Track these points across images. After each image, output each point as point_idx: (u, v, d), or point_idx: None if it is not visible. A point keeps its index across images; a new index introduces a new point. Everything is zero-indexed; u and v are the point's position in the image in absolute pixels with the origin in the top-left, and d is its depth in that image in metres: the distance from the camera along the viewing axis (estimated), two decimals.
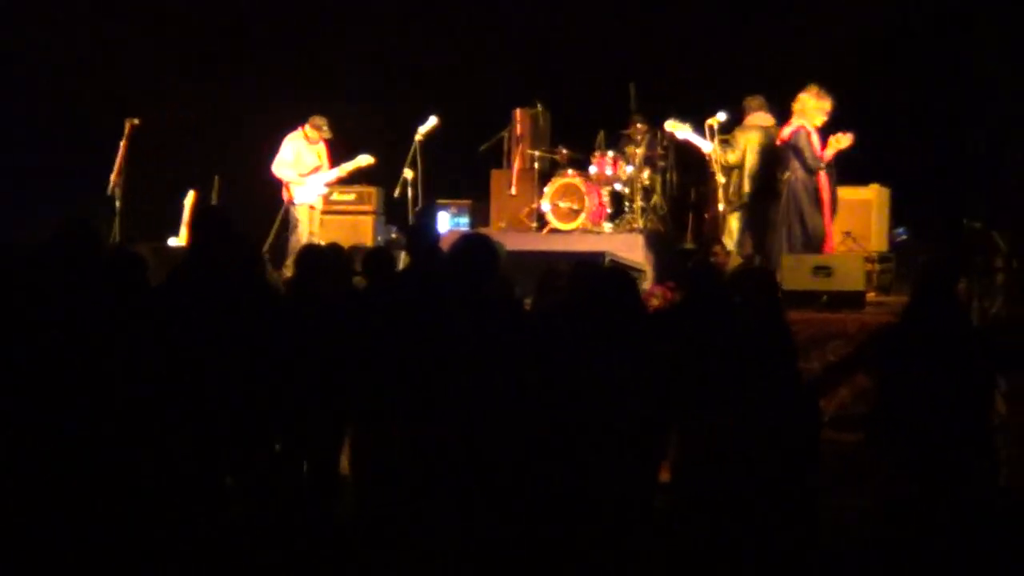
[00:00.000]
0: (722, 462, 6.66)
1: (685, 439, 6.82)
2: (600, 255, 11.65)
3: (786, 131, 11.95)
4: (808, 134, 11.78)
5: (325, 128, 13.95)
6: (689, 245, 13.50)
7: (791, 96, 12.34)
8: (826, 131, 11.84)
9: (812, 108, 11.85)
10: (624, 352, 6.46)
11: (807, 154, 11.72)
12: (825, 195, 11.84)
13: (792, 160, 11.84)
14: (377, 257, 8.06)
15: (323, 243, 11.31)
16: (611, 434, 6.40)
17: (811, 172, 11.77)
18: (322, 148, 14.04)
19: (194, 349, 6.39)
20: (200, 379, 6.36)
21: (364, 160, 14.03)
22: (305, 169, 13.92)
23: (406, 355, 6.32)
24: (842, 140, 11.70)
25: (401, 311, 6.54)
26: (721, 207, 12.63)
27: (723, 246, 11.76)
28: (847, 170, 12.44)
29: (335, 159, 14.08)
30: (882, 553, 6.90)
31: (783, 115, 12.69)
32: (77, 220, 6.98)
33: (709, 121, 12.61)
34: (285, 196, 13.90)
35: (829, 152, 11.74)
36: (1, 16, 15.63)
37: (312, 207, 13.97)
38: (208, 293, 6.52)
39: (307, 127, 13.95)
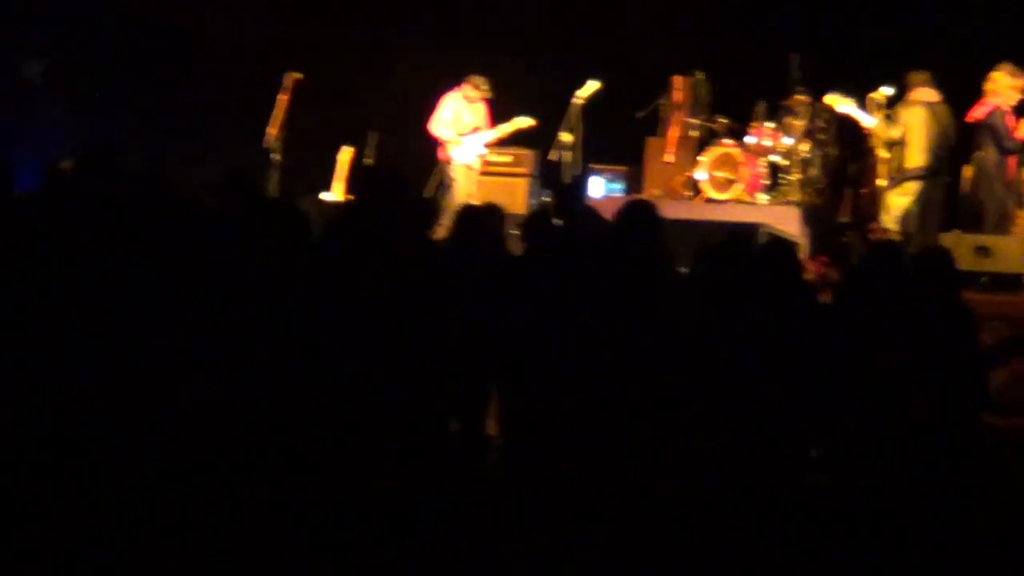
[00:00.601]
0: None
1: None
2: (755, 227, 11.51)
3: (979, 110, 11.68)
4: (1004, 114, 11.52)
5: (485, 87, 13.84)
6: (845, 219, 13.29)
7: (956, 72, 12.09)
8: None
9: (1006, 87, 11.59)
10: (786, 328, 6.36)
11: (1003, 134, 11.46)
12: (1012, 177, 11.58)
13: (985, 139, 11.59)
14: (538, 221, 8.01)
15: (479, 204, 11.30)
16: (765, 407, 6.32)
17: (1005, 153, 11.50)
18: (481, 108, 13.94)
19: (357, 308, 6.40)
20: (362, 336, 6.36)
21: (524, 122, 13.91)
22: (464, 129, 13.86)
23: (571, 322, 6.28)
24: None
25: (566, 278, 6.49)
26: (882, 183, 12.41)
27: (880, 223, 11.56)
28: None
29: (494, 120, 14.03)
30: None
31: (949, 92, 12.46)
32: (237, 173, 7.04)
33: (872, 95, 12.39)
34: (442, 155, 13.88)
35: (1021, 133, 11.47)
36: None
37: (469, 167, 13.92)
38: (373, 251, 6.52)
39: (466, 86, 13.85)
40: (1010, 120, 11.52)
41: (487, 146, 14.08)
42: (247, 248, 6.44)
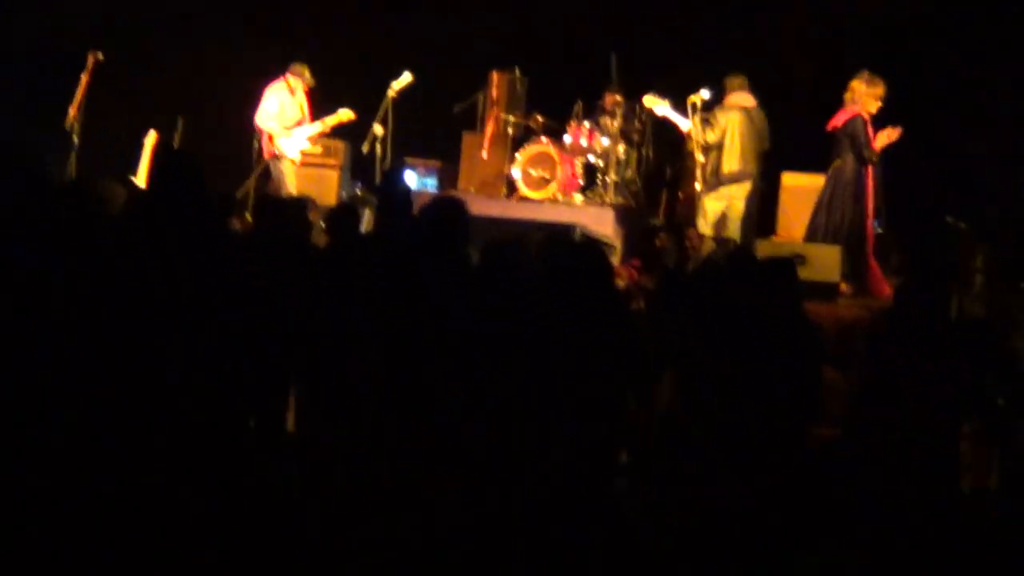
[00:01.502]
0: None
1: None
2: (571, 227, 11.34)
3: (839, 118, 11.56)
4: (865, 123, 11.44)
5: (307, 75, 13.43)
6: (657, 222, 13.18)
7: (774, 75, 12.05)
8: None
9: (864, 95, 11.48)
10: (596, 329, 6.14)
11: (863, 143, 11.36)
12: (870, 189, 11.50)
13: (844, 148, 11.49)
14: (343, 214, 7.70)
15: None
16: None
17: (863, 163, 11.40)
18: (303, 99, 13.53)
19: (149, 299, 6.01)
20: (154, 330, 5.98)
21: (346, 115, 13.50)
22: (289, 121, 13.43)
23: (379, 321, 5.96)
24: (892, 134, 11.34)
25: (376, 273, 6.19)
26: (698, 187, 12.32)
27: (697, 229, 11.44)
28: (821, 155, 12.15)
29: (313, 110, 13.61)
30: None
31: (763, 97, 12.44)
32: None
33: (692, 98, 12.28)
34: (267, 150, 13.42)
35: (878, 145, 11.40)
36: None
37: (294, 161, 13.51)
38: (167, 238, 6.13)
39: (289, 76, 13.41)
40: (870, 130, 11.43)
41: (311, 140, 13.66)
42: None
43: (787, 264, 7.15)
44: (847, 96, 11.55)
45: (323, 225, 8.09)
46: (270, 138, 13.42)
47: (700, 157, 12.26)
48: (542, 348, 6.13)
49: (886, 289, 10.86)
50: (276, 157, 13.39)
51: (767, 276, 6.98)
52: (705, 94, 12.32)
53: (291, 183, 13.32)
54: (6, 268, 5.84)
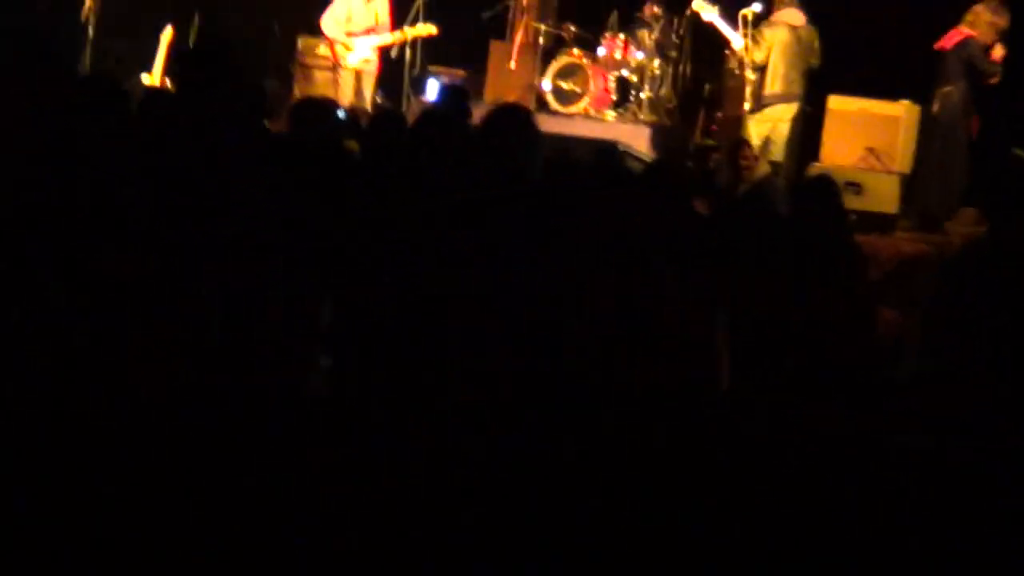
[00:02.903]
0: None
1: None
2: (613, 145, 10.79)
3: (952, 38, 10.96)
4: (980, 47, 10.85)
5: None
6: (710, 142, 12.59)
7: None
8: None
9: (986, 23, 10.90)
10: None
11: (981, 62, 10.77)
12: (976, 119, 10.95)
13: (954, 72, 10.90)
14: (388, 120, 7.17)
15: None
16: None
17: (978, 87, 10.81)
18: (382, 4, 12.87)
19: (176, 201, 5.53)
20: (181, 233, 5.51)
21: (426, 29, 12.86)
22: (358, 28, 12.77)
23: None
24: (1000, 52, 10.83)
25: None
26: (747, 106, 11.73)
27: (752, 149, 10.83)
28: (876, 82, 11.59)
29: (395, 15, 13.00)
30: None
31: (815, 15, 11.82)
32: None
33: (744, 11, 11.65)
34: (329, 55, 12.84)
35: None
36: None
37: (359, 71, 12.83)
38: (194, 140, 5.64)
39: None
40: (982, 56, 10.86)
41: (378, 49, 12.97)
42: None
43: (826, 184, 6.69)
44: (967, 18, 10.96)
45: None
46: (331, 45, 12.83)
47: (751, 75, 11.66)
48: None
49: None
50: (338, 66, 12.81)
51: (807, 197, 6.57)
52: (757, 7, 11.69)
53: (345, 95, 12.64)
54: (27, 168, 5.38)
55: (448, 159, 6.25)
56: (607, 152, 7.54)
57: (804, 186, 6.65)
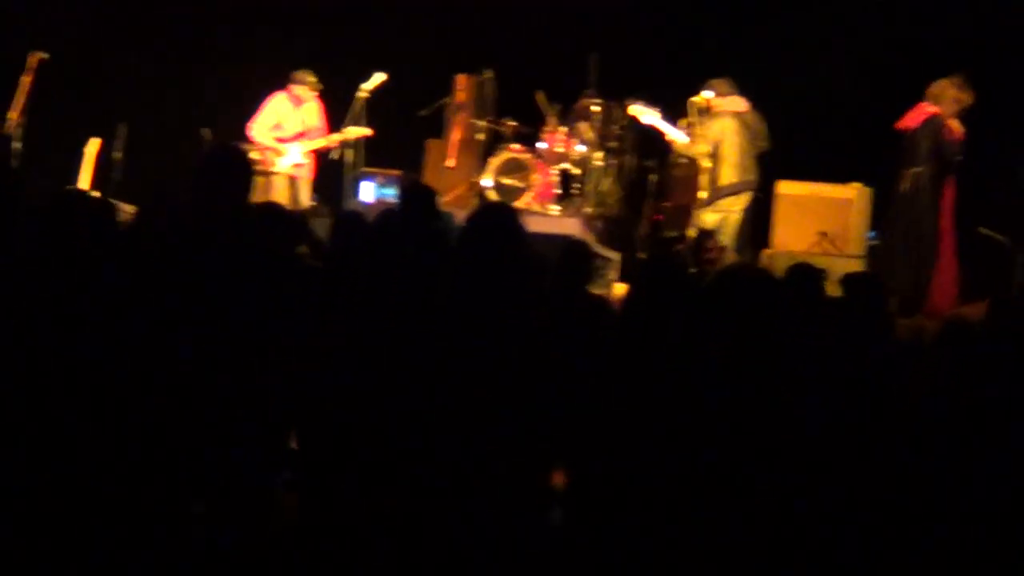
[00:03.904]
0: None
1: None
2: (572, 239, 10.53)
3: (915, 117, 10.75)
4: (943, 124, 10.65)
5: (313, 80, 12.61)
6: (671, 233, 12.33)
7: (762, 81, 11.32)
8: None
9: (950, 98, 10.69)
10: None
11: (946, 143, 10.56)
12: (948, 198, 10.71)
13: (922, 152, 10.68)
14: (350, 220, 6.83)
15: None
16: None
17: (946, 166, 10.60)
18: (313, 108, 12.73)
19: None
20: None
21: (357, 132, 12.77)
22: (288, 134, 12.65)
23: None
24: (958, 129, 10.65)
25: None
26: (703, 195, 11.46)
27: (717, 240, 10.56)
28: (829, 166, 11.44)
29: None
30: None
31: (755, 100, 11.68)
32: None
33: (694, 99, 11.42)
34: (261, 162, 12.47)
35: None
36: None
37: (291, 175, 12.69)
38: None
39: (293, 86, 12.63)
40: (948, 133, 10.69)
41: (312, 153, 12.82)
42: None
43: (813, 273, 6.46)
44: (931, 92, 10.75)
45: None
46: (261, 151, 12.55)
47: (707, 163, 11.39)
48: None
49: (946, 306, 10.17)
50: (268, 172, 12.57)
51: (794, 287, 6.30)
52: (708, 93, 11.45)
53: (279, 200, 12.28)
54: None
55: (418, 261, 6.01)
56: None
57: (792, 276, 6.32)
